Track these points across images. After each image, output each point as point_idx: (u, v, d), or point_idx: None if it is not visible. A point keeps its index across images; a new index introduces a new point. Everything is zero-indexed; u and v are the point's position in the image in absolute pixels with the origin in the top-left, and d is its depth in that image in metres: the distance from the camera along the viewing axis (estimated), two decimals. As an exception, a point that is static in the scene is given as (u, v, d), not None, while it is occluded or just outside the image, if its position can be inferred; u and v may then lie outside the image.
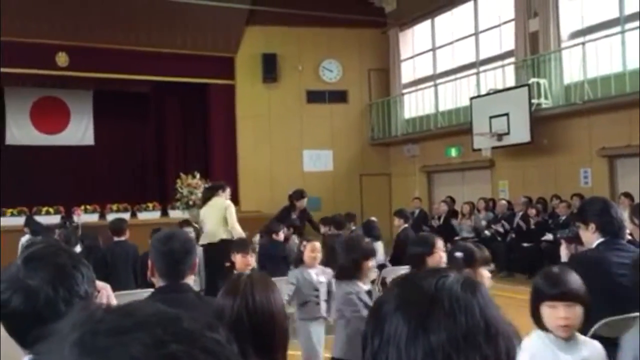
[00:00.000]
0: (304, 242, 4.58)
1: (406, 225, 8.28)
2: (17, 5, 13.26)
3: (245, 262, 4.51)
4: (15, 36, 13.51)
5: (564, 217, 10.22)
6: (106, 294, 1.65)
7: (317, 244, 4.44)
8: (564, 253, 3.73)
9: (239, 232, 7.32)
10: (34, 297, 1.28)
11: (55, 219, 12.14)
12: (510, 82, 12.82)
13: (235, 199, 13.33)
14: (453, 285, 0.83)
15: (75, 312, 0.60)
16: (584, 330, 2.96)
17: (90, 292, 1.36)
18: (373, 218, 8.34)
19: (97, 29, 14.22)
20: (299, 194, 9.45)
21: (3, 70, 13.75)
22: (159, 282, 2.39)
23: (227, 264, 4.99)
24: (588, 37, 11.38)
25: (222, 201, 7.84)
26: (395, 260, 7.92)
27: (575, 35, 11.97)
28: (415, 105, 15.82)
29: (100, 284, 1.66)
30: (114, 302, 1.69)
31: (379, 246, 7.54)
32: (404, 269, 7.05)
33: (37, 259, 1.34)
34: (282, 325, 1.79)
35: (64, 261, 1.35)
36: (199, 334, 0.58)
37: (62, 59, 14.35)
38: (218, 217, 7.61)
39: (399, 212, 8.47)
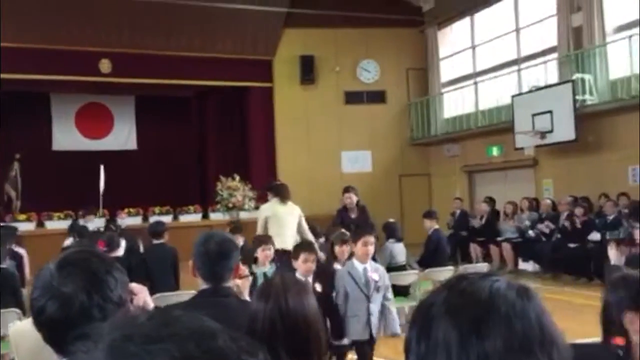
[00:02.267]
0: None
1: (437, 226, 8.12)
2: (61, 14, 13.64)
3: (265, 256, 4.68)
4: (59, 44, 13.91)
5: (611, 217, 9.90)
6: (142, 298, 1.65)
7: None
8: (613, 254, 3.60)
9: (311, 238, 6.74)
10: (68, 304, 1.29)
11: (100, 223, 12.41)
12: (553, 78, 12.53)
13: (274, 201, 13.40)
14: (508, 290, 0.80)
15: (116, 317, 0.60)
16: None
17: (124, 297, 1.36)
18: (392, 220, 8.12)
19: (138, 36, 14.52)
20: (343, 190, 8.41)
21: (49, 77, 14.18)
22: (202, 284, 2.38)
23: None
24: (634, 31, 11.01)
25: (295, 206, 7.15)
26: (425, 262, 7.77)
27: (620, 28, 11.61)
28: (455, 104, 15.61)
29: (137, 287, 1.66)
30: (150, 305, 1.69)
31: (400, 247, 7.41)
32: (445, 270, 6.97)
33: (70, 265, 1.35)
34: (316, 330, 1.76)
35: (97, 267, 1.35)
36: (234, 356, 0.56)
37: (105, 65, 14.69)
38: (295, 223, 6.97)
39: (428, 213, 8.32)
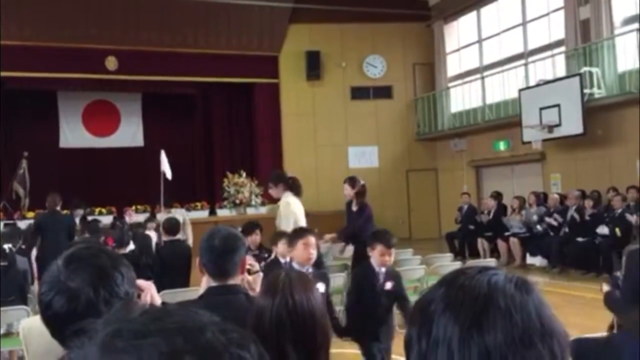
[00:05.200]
0: None
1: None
2: (66, 12, 13.68)
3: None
4: (66, 42, 13.96)
5: (619, 211, 9.85)
6: (150, 293, 1.65)
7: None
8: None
9: None
10: (75, 299, 1.29)
11: (108, 220, 12.47)
12: (561, 72, 12.46)
13: (281, 197, 13.41)
14: (506, 284, 0.80)
15: (112, 312, 0.60)
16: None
17: (131, 293, 1.36)
18: None
19: (144, 33, 14.55)
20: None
21: (55, 75, 14.24)
22: (209, 280, 2.37)
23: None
24: (643, 23, 10.93)
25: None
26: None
27: (628, 21, 11.53)
28: (461, 98, 15.56)
29: (144, 283, 1.66)
30: (158, 301, 1.69)
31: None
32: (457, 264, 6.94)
33: (77, 260, 1.35)
34: (323, 325, 1.76)
35: (104, 262, 1.36)
36: (222, 349, 0.56)
37: (111, 63, 14.73)
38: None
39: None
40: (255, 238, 6.48)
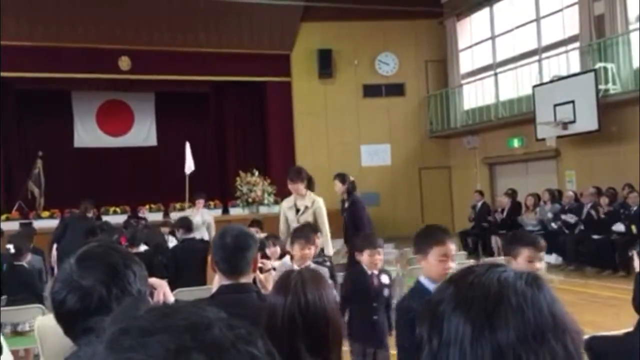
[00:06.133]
0: None
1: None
2: (79, 12, 13.78)
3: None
4: (79, 42, 14.06)
5: (635, 208, 9.74)
6: (162, 292, 1.65)
7: None
8: (638, 265, 3.55)
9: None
10: (87, 297, 1.30)
11: (122, 219, 12.54)
12: (575, 68, 12.34)
13: (294, 195, 13.42)
14: (517, 280, 0.79)
15: (119, 310, 0.60)
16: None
17: (143, 291, 1.37)
18: None
19: (156, 33, 14.63)
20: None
21: (69, 75, 14.35)
22: (221, 279, 2.37)
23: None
24: (659, 18, 10.81)
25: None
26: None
27: (644, 16, 11.39)
28: (474, 95, 15.47)
29: (156, 281, 1.66)
30: (171, 299, 1.69)
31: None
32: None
33: (90, 258, 1.36)
34: (336, 323, 1.75)
35: (116, 260, 1.36)
36: (229, 345, 0.55)
37: (124, 63, 14.82)
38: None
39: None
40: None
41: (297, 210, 6.09)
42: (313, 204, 6.08)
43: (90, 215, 9.02)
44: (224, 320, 0.58)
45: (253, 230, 6.13)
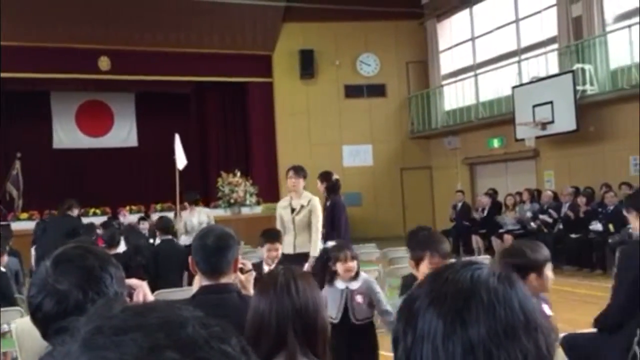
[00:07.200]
0: None
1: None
2: (58, 12, 13.62)
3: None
4: (58, 42, 13.90)
5: (612, 207, 9.89)
6: (142, 292, 1.65)
7: None
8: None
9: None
10: (64, 301, 1.30)
11: (102, 220, 12.41)
12: (554, 69, 12.49)
13: (275, 196, 13.41)
14: (489, 277, 0.80)
15: (94, 309, 0.60)
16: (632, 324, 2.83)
17: (120, 292, 1.36)
18: None
19: (136, 33, 14.51)
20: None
21: (48, 76, 14.17)
22: (202, 279, 2.37)
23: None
24: (634, 20, 10.97)
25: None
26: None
27: (620, 18, 11.57)
28: (455, 96, 15.58)
29: (136, 282, 1.66)
30: (150, 300, 1.69)
31: None
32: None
33: (65, 261, 1.35)
34: (323, 319, 1.77)
35: (92, 263, 1.36)
36: (203, 342, 0.55)
37: (104, 63, 14.69)
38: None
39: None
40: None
41: (293, 210, 6.11)
42: (309, 202, 6.13)
43: (74, 214, 8.81)
44: (198, 318, 0.58)
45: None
